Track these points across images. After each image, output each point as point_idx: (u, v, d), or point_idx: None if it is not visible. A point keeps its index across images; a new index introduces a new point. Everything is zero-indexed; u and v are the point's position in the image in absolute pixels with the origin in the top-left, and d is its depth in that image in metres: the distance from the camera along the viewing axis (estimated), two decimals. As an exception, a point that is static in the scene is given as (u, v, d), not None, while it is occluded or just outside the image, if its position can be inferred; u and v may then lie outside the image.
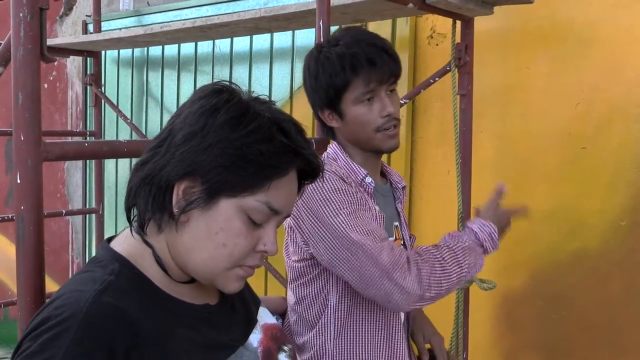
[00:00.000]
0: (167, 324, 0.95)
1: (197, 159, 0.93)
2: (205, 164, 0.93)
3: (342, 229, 1.46)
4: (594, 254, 2.45)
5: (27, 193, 1.23)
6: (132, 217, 1.01)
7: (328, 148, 1.70)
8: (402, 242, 1.73)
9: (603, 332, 2.44)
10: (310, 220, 1.51)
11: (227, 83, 1.01)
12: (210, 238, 0.95)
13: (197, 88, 1.03)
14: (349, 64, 1.56)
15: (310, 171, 1.03)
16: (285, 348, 1.14)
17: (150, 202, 0.95)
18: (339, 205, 1.48)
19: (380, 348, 1.61)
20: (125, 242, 1.01)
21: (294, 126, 0.99)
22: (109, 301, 0.89)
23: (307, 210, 1.51)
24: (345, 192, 1.51)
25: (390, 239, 1.66)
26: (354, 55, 1.56)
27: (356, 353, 1.59)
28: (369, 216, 1.52)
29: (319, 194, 1.49)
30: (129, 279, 0.95)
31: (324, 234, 1.48)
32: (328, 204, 1.48)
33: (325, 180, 1.50)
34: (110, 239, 1.05)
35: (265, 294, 3.41)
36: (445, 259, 1.48)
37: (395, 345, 1.63)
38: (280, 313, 1.69)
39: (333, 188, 1.50)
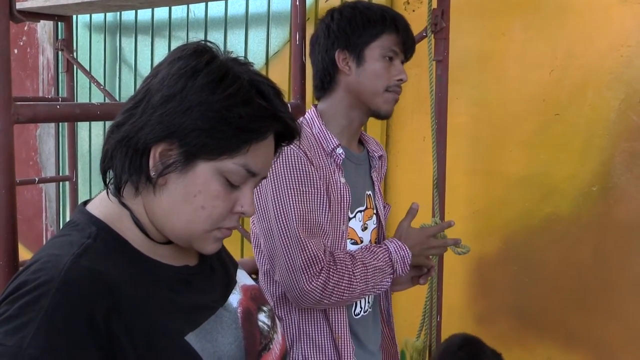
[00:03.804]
0: (147, 287, 0.94)
1: (176, 121, 0.92)
2: (183, 126, 0.92)
3: (281, 211, 1.50)
4: (565, 218, 2.49)
5: (-2, 156, 1.22)
6: (108, 180, 0.99)
7: (306, 113, 1.69)
8: (374, 212, 1.74)
9: (574, 295, 2.49)
10: (258, 193, 1.55)
11: (206, 43, 0.99)
12: (188, 201, 0.95)
13: (174, 48, 1.01)
14: (390, 17, 1.63)
15: (287, 134, 1.03)
16: (265, 308, 1.15)
17: (127, 164, 0.94)
18: (289, 188, 1.51)
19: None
20: (102, 205, 1.00)
21: (273, 89, 0.98)
22: (87, 264, 0.88)
23: (259, 184, 1.54)
24: (302, 173, 1.53)
25: (360, 207, 1.68)
26: (396, 14, 1.66)
27: (322, 323, 1.61)
28: (319, 203, 1.55)
29: (275, 170, 1.52)
30: (107, 242, 0.95)
31: (266, 207, 1.53)
32: (281, 185, 1.51)
33: (288, 157, 1.52)
34: (86, 203, 1.04)
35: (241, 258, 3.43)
36: (356, 274, 1.53)
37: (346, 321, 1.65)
38: (254, 273, 1.70)
39: (291, 167, 1.52)
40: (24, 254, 4.01)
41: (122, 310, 0.87)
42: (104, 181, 1.00)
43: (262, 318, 1.12)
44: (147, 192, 0.96)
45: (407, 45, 1.67)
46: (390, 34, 1.62)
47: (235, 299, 1.09)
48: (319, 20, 1.72)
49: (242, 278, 1.17)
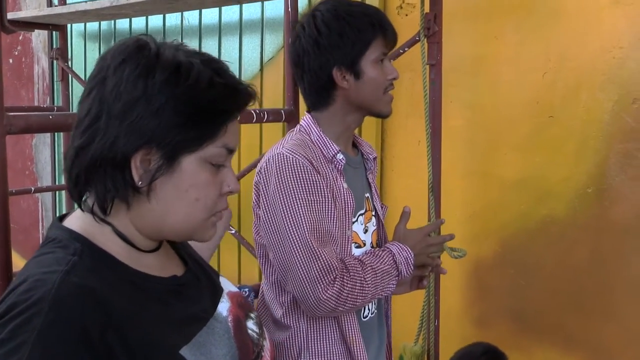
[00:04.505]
0: (138, 300, 0.93)
1: (150, 125, 0.90)
2: (159, 128, 0.90)
3: (293, 222, 1.49)
4: (561, 221, 2.49)
5: (-10, 167, 1.22)
6: (82, 203, 0.97)
7: (302, 120, 1.69)
8: (373, 213, 1.74)
9: (570, 297, 2.49)
10: (267, 205, 1.54)
11: (142, 36, 0.96)
12: (181, 197, 0.95)
13: (111, 48, 0.97)
14: (376, 21, 1.59)
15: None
16: (252, 315, 1.14)
17: (110, 183, 0.92)
18: (299, 198, 1.50)
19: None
20: (81, 221, 0.97)
21: (222, 64, 0.98)
22: (77, 281, 0.86)
23: (266, 196, 1.54)
24: (310, 183, 1.52)
25: (361, 211, 1.68)
26: (380, 15, 1.62)
27: (331, 329, 1.61)
28: (328, 211, 1.54)
29: (284, 181, 1.51)
30: (93, 258, 0.92)
31: (275, 218, 1.52)
32: (291, 196, 1.50)
33: (295, 167, 1.51)
34: (61, 218, 1.01)
35: (238, 267, 3.42)
36: (367, 280, 1.53)
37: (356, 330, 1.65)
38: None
39: (299, 177, 1.51)
40: (21, 264, 3.99)
41: (116, 325, 0.86)
42: (79, 205, 0.97)
43: (251, 326, 1.12)
44: (136, 202, 0.95)
45: (393, 43, 1.66)
46: (378, 38, 1.60)
47: (224, 307, 1.08)
48: (299, 27, 1.65)
49: (227, 285, 1.16)
